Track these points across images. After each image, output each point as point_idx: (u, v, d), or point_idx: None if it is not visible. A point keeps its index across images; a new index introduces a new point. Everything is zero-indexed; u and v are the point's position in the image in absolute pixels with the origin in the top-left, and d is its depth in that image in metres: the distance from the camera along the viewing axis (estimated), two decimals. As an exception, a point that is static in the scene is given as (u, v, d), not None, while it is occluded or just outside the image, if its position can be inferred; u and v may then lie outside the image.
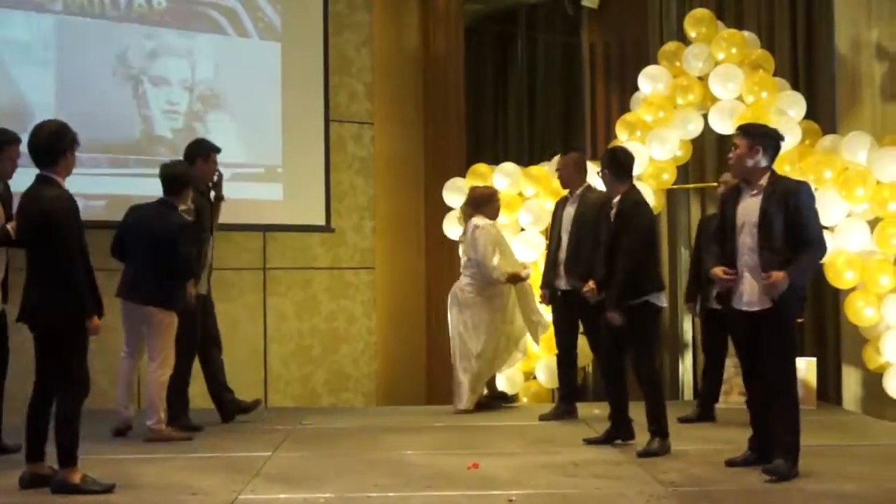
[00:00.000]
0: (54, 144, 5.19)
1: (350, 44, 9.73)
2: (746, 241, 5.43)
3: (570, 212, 7.28)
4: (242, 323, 8.95)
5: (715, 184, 8.67)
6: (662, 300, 6.19)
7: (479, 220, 7.65)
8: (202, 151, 7.14)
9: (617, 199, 6.18)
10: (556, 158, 7.86)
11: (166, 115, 8.54)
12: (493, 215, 7.73)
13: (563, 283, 7.26)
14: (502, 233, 7.94)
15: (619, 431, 6.29)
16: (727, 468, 5.57)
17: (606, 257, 6.14)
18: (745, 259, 5.44)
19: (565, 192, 7.52)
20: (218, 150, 7.21)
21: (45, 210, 5.06)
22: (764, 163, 5.46)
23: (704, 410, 7.34)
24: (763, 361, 5.43)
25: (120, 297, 6.53)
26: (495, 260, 7.52)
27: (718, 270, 5.50)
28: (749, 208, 5.45)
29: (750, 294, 5.43)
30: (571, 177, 7.38)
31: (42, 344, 5.19)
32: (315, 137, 9.15)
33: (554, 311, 7.48)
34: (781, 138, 5.58)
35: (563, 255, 7.28)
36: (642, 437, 6.12)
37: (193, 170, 6.93)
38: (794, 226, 5.33)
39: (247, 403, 7.38)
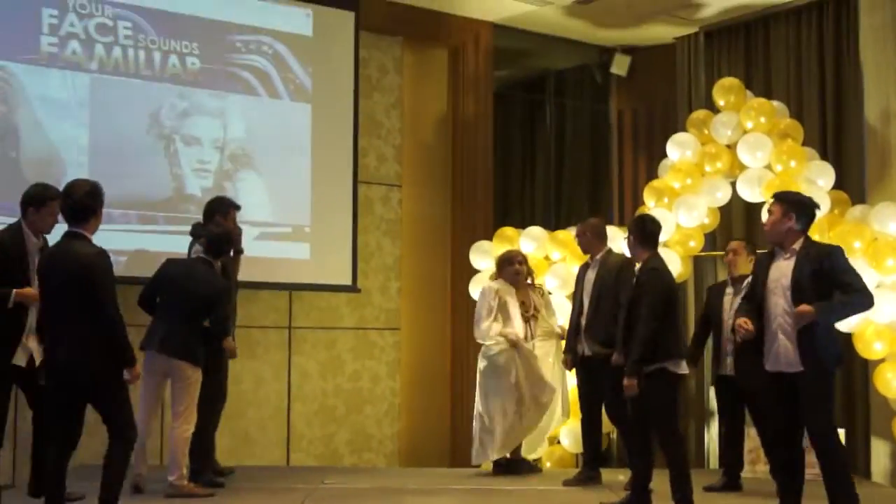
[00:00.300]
0: (90, 203, 5.34)
1: (380, 106, 9.84)
2: (779, 302, 5.44)
3: (590, 276, 7.26)
4: (267, 381, 8.95)
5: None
6: (682, 367, 6.10)
7: (487, 283, 7.73)
8: (221, 208, 7.14)
9: (638, 265, 6.20)
10: (575, 229, 7.82)
11: (197, 173, 8.61)
12: (510, 278, 7.65)
13: (584, 348, 7.22)
14: (509, 297, 7.60)
15: (637, 501, 6.19)
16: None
17: (626, 322, 6.14)
18: (779, 321, 5.45)
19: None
20: (238, 208, 7.23)
21: (88, 265, 5.19)
22: (798, 228, 5.49)
23: (730, 479, 7.24)
24: (804, 422, 5.43)
25: (148, 349, 6.52)
26: (485, 323, 7.46)
27: (742, 320, 5.54)
28: (782, 270, 5.50)
29: (785, 356, 5.42)
30: (591, 242, 7.36)
31: (76, 399, 5.24)
32: (343, 198, 9.20)
33: (578, 376, 7.43)
34: (816, 206, 5.63)
35: (584, 320, 7.25)
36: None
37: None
38: (829, 285, 5.36)
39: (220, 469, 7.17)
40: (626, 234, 6.36)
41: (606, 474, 7.45)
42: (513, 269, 7.61)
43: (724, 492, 7.10)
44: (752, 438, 7.58)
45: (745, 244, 7.41)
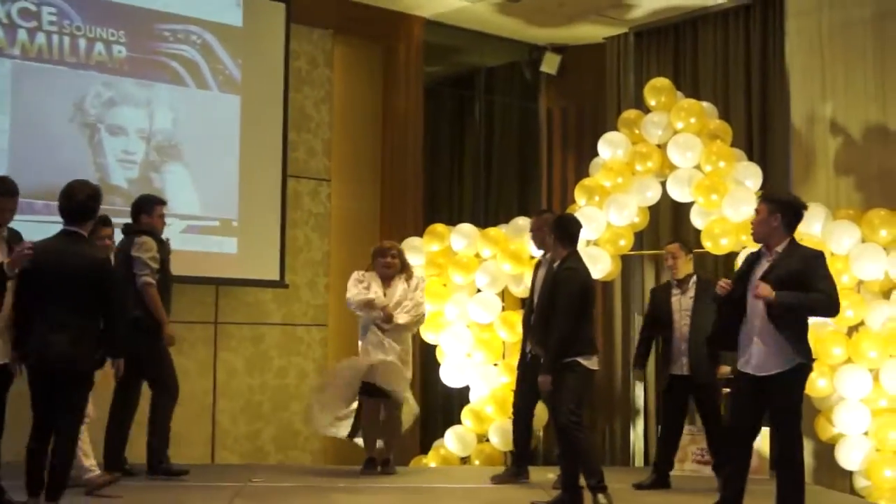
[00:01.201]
0: (93, 206, 5.60)
1: (309, 100, 9.74)
2: (758, 304, 5.46)
3: (541, 275, 7.18)
4: (192, 377, 8.77)
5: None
6: (594, 363, 6.16)
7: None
8: (147, 207, 7.08)
9: (556, 263, 6.24)
10: (526, 220, 7.73)
11: (122, 164, 8.43)
12: (380, 271, 7.43)
13: (529, 347, 7.20)
14: (374, 285, 7.39)
15: (569, 497, 6.19)
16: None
17: (542, 319, 6.22)
18: (756, 323, 5.49)
19: (525, 255, 7.51)
20: (163, 203, 7.18)
21: (102, 266, 5.55)
22: (783, 230, 5.55)
23: (659, 476, 7.28)
24: (772, 428, 5.54)
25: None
26: (351, 291, 7.35)
27: (724, 281, 5.66)
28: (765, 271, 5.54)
29: (758, 358, 5.47)
30: (545, 239, 7.20)
31: (58, 387, 5.42)
32: (272, 192, 9.09)
33: (518, 373, 7.40)
34: (803, 207, 5.66)
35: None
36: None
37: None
38: (805, 288, 5.40)
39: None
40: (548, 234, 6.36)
41: (535, 473, 7.45)
42: (384, 261, 7.44)
43: (653, 489, 7.15)
44: (682, 437, 7.67)
45: (680, 246, 7.45)
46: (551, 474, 7.19)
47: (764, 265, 5.57)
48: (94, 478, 6.16)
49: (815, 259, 5.54)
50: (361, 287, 7.34)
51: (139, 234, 6.91)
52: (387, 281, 7.41)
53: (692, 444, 7.82)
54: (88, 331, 5.44)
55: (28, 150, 7.85)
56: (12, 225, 5.77)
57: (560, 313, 6.03)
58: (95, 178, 8.15)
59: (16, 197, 5.69)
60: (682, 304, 7.22)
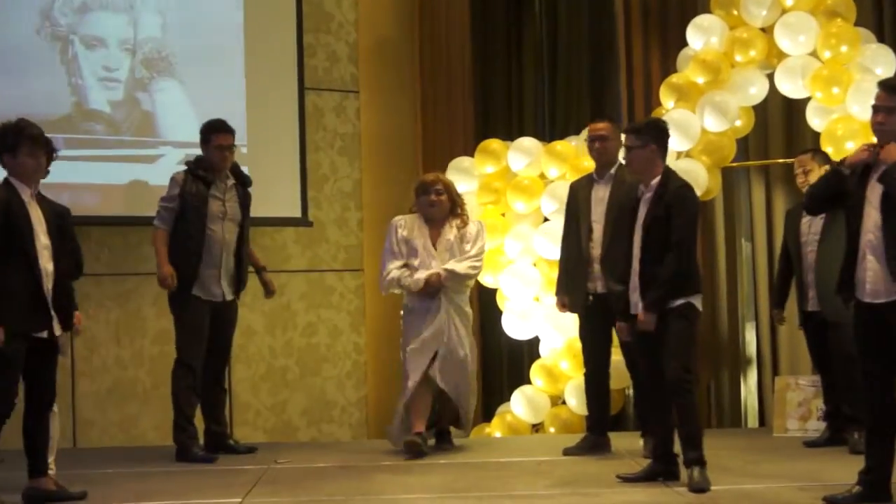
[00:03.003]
0: None
1: (329, -6, 9.70)
2: (872, 213, 5.38)
3: (601, 195, 7.14)
4: (201, 339, 8.85)
5: (784, 160, 8.64)
6: (700, 303, 6.19)
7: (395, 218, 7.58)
8: (201, 135, 7.39)
9: (657, 180, 6.13)
10: (590, 128, 7.58)
11: (102, 83, 8.51)
12: (424, 210, 7.41)
13: (598, 286, 7.13)
14: (417, 233, 7.41)
15: (663, 468, 6.18)
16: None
17: (644, 252, 6.09)
18: (869, 238, 5.40)
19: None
20: (218, 129, 7.36)
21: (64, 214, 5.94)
22: None
23: (833, 431, 7.35)
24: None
25: None
26: (386, 268, 7.37)
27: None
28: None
29: (873, 283, 5.38)
30: (614, 152, 7.20)
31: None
32: (287, 110, 9.12)
33: (584, 320, 7.35)
34: None
35: (595, 250, 7.14)
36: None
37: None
38: None
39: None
40: (634, 142, 6.20)
41: (620, 440, 7.45)
42: (428, 199, 7.37)
43: (828, 446, 7.23)
44: (803, 390, 7.63)
45: (813, 155, 7.42)
46: (641, 441, 7.20)
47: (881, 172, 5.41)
48: None
49: None
50: (400, 247, 7.34)
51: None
52: (435, 225, 7.36)
53: (817, 398, 7.77)
54: None
55: (-13, 71, 7.90)
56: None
57: (679, 242, 5.99)
58: (70, 102, 8.28)
59: None
60: (811, 227, 7.27)
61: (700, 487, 5.83)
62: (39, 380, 5.89)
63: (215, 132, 7.34)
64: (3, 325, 5.59)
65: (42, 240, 5.80)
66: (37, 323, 5.77)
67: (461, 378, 7.28)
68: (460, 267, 7.25)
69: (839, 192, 5.60)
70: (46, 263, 5.80)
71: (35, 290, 5.73)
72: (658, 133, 6.21)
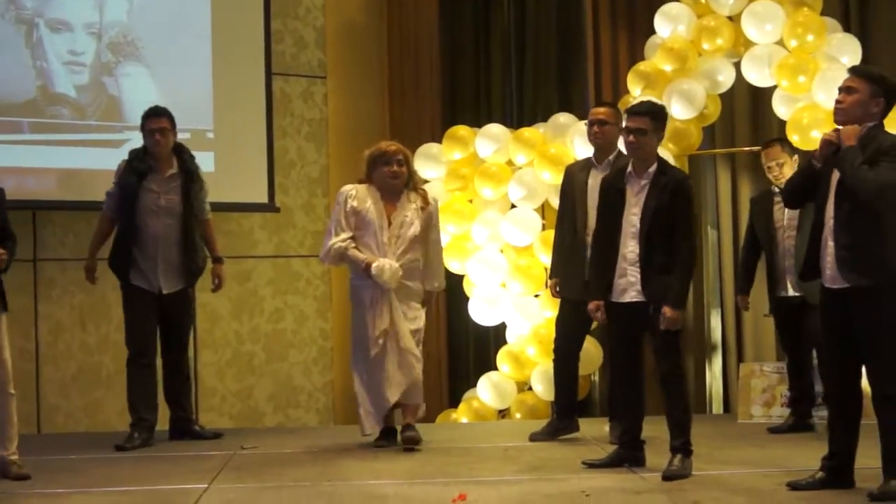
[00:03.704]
0: None
1: (296, -22, 9.67)
2: (833, 200, 5.41)
3: (592, 181, 7.06)
4: (166, 325, 8.82)
5: (750, 148, 8.69)
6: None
7: (346, 187, 7.22)
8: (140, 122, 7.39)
9: (653, 168, 6.10)
10: (568, 116, 7.54)
11: (68, 67, 8.45)
12: (382, 183, 7.05)
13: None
14: (371, 205, 7.03)
15: (629, 454, 6.23)
16: (775, 494, 5.50)
17: (647, 240, 6.05)
18: (830, 224, 5.43)
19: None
20: (150, 114, 7.33)
21: None
22: (878, 118, 5.43)
23: (798, 417, 7.46)
24: (860, 358, 5.42)
25: None
26: (330, 240, 7.05)
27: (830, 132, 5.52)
28: None
29: (832, 269, 5.41)
30: (615, 137, 7.16)
31: None
32: (254, 95, 9.08)
33: (569, 307, 7.35)
34: None
35: (591, 237, 7.12)
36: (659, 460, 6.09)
37: None
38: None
39: None
40: (650, 125, 6.07)
41: (586, 426, 7.49)
42: (389, 170, 7.04)
43: (792, 433, 7.35)
44: (767, 377, 7.71)
45: (782, 146, 7.49)
46: (607, 427, 7.24)
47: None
48: None
49: None
50: (348, 219, 7.01)
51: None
52: (391, 199, 7.07)
53: (781, 385, 7.83)
54: None
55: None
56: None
57: (688, 233, 6.04)
58: (35, 86, 8.23)
59: None
60: (786, 213, 7.35)
61: (677, 474, 5.85)
62: None
63: (147, 117, 7.32)
64: None
65: None
66: None
67: (409, 373, 7.00)
68: (438, 283, 7.33)
69: (815, 184, 5.65)
70: None
71: None
72: (664, 121, 6.21)
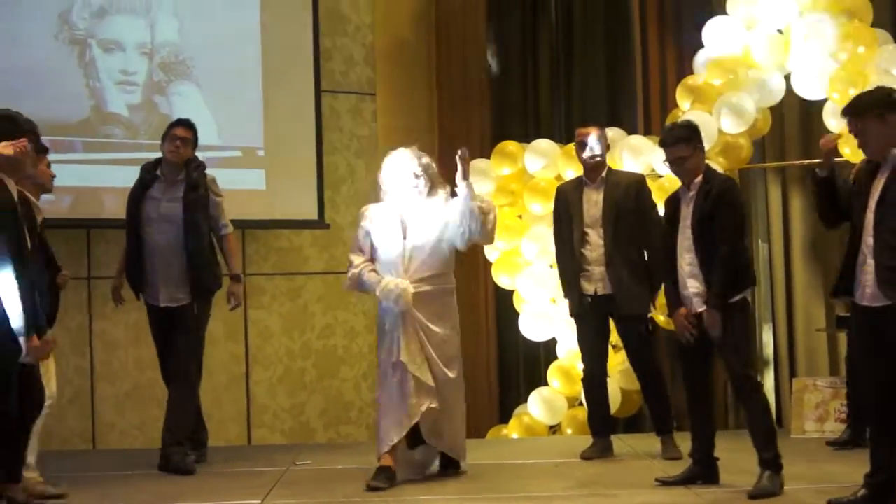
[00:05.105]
0: None
1: (345, -3, 9.71)
2: (871, 217, 5.37)
3: (594, 199, 7.24)
4: (219, 342, 8.86)
5: (800, 162, 8.63)
6: (750, 296, 6.30)
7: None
8: (165, 131, 7.20)
9: (699, 179, 6.10)
10: (619, 132, 7.55)
11: (120, 87, 8.53)
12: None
13: (598, 287, 7.18)
14: (386, 218, 6.61)
15: (702, 471, 6.18)
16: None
17: (699, 251, 6.04)
18: (868, 241, 5.38)
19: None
20: (177, 123, 7.24)
21: None
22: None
23: (855, 432, 7.29)
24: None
25: None
26: (352, 267, 6.65)
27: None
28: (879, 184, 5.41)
29: (871, 286, 5.36)
30: (604, 155, 7.38)
31: None
32: (304, 112, 9.11)
33: (579, 324, 7.38)
34: None
35: (592, 252, 7.20)
36: (723, 476, 6.08)
37: None
38: None
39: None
40: (685, 151, 6.09)
41: (637, 441, 7.48)
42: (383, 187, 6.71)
43: (847, 448, 7.23)
44: (821, 391, 7.62)
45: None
46: (658, 445, 7.23)
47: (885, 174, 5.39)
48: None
49: None
50: (363, 242, 6.63)
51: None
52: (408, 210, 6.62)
53: (835, 400, 7.75)
54: None
55: (7, 75, 7.91)
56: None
57: (734, 238, 6.00)
58: (89, 106, 8.31)
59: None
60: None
61: (766, 492, 5.78)
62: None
63: (174, 126, 7.19)
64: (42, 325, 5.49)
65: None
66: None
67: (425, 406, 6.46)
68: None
69: (833, 195, 5.63)
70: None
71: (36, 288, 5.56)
72: (699, 134, 6.19)
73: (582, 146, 7.32)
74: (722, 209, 5.97)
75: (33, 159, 5.79)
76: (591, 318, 7.29)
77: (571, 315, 7.48)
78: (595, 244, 7.19)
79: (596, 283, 7.19)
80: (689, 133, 6.14)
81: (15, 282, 5.30)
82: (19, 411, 5.56)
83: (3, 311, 5.32)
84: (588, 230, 7.22)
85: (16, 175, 5.54)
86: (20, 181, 5.70)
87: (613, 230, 7.13)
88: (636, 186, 7.23)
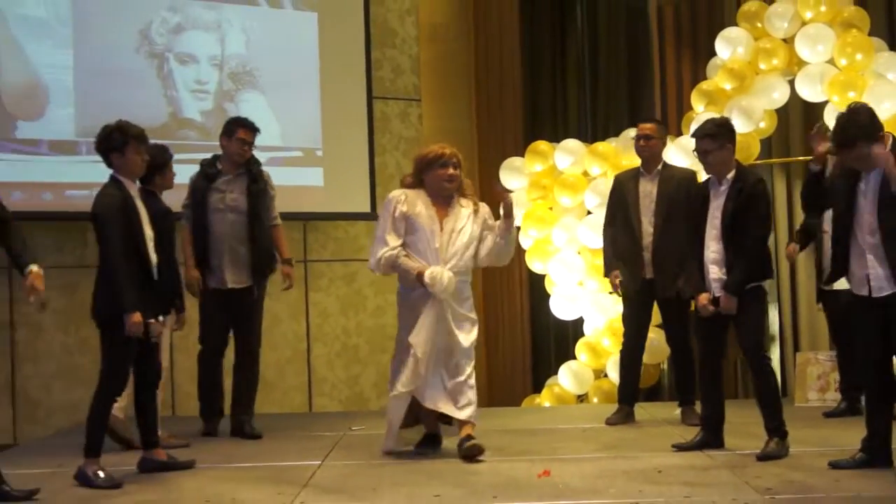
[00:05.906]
0: (98, 144, 5.68)
1: (393, 13, 9.72)
2: (866, 216, 5.35)
3: (648, 190, 7.15)
4: (283, 321, 8.96)
5: (802, 158, 8.59)
6: (768, 286, 6.21)
7: (395, 191, 6.23)
8: (225, 129, 7.12)
9: (731, 174, 6.05)
10: (638, 127, 7.48)
11: (194, 95, 8.60)
12: (436, 187, 6.07)
13: (647, 272, 7.15)
14: (422, 210, 6.04)
15: (712, 437, 6.18)
16: (830, 472, 5.45)
17: (727, 240, 6.01)
18: (867, 238, 5.37)
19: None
20: (243, 126, 7.07)
21: (93, 210, 5.62)
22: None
23: (850, 402, 7.28)
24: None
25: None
26: (379, 249, 6.05)
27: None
28: (871, 185, 5.38)
29: (877, 279, 5.36)
30: (660, 149, 7.26)
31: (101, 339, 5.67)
32: (357, 116, 9.15)
33: (629, 304, 7.36)
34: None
35: (644, 240, 7.14)
36: (733, 441, 6.09)
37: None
38: None
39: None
40: (711, 146, 6.01)
41: (657, 409, 7.46)
42: (445, 173, 6.03)
43: (845, 416, 7.19)
44: (821, 364, 7.61)
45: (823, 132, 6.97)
46: (677, 411, 7.22)
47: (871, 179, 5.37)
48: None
49: None
50: (397, 226, 6.00)
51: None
52: (442, 204, 6.09)
53: (835, 372, 7.73)
54: (99, 279, 5.65)
55: (93, 85, 8.04)
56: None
57: (759, 231, 5.98)
58: (167, 112, 8.37)
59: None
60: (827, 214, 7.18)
61: (774, 454, 5.78)
62: (148, 360, 5.80)
63: (241, 126, 7.05)
64: (135, 311, 5.48)
65: (147, 232, 5.71)
66: (153, 309, 5.67)
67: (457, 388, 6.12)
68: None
69: (819, 188, 5.64)
70: (152, 254, 5.71)
71: (146, 279, 5.64)
72: (731, 132, 6.11)
73: (638, 139, 7.25)
74: (754, 205, 5.93)
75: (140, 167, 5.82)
76: (637, 299, 7.24)
77: (619, 295, 7.39)
78: (646, 232, 7.14)
79: (645, 267, 7.17)
80: (717, 130, 6.05)
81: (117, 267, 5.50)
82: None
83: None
84: (642, 218, 7.16)
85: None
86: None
87: (663, 221, 7.06)
88: (687, 182, 7.07)
